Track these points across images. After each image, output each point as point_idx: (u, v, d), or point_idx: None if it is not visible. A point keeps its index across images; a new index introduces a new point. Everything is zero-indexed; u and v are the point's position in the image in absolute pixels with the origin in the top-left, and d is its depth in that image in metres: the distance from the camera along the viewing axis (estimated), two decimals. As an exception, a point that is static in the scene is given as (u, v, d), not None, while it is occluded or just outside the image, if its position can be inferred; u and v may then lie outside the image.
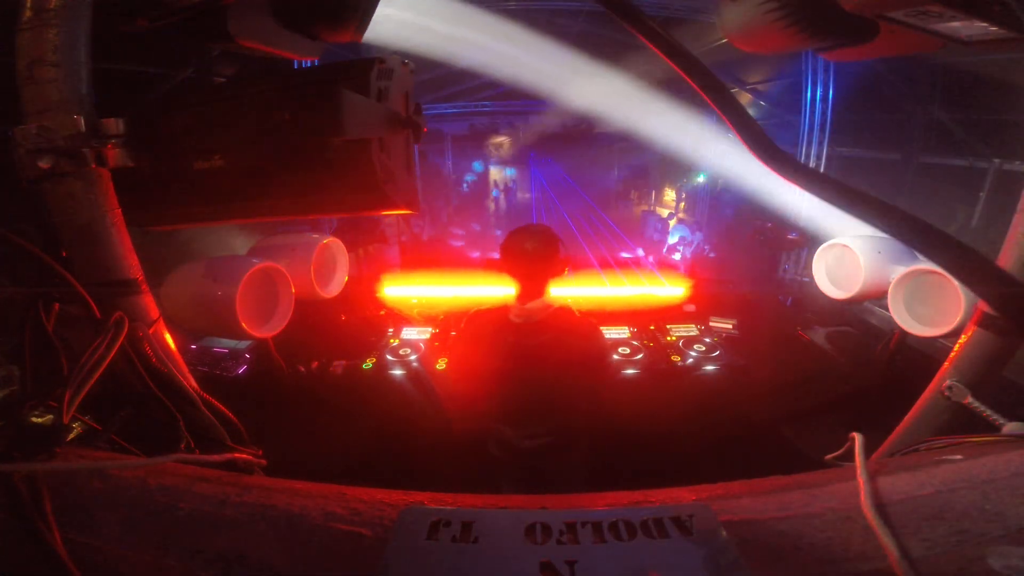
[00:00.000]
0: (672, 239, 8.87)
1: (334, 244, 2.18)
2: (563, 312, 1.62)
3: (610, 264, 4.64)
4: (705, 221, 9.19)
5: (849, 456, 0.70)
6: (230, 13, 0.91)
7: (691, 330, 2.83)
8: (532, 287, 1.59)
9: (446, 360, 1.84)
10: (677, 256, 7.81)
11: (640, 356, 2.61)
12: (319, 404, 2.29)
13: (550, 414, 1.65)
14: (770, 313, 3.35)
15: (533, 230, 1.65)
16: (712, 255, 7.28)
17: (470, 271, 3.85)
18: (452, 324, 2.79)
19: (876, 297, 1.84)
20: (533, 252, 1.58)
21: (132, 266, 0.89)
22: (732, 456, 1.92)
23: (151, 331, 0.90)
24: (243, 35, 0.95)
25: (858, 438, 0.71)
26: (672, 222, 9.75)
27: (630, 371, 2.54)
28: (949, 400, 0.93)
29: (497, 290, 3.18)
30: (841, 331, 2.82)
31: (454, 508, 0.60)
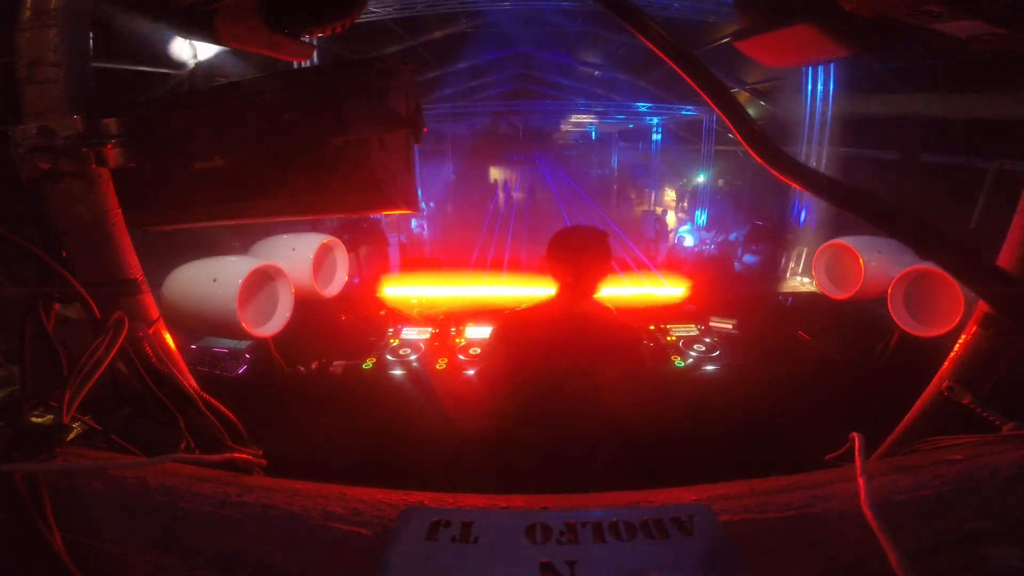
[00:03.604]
0: (674, 230, 8.91)
1: (334, 244, 2.18)
2: (603, 308, 1.61)
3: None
4: (705, 220, 9.20)
5: (849, 456, 0.70)
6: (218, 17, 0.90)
7: (691, 330, 2.82)
8: (583, 288, 1.55)
9: (490, 366, 1.77)
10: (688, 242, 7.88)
11: (640, 356, 2.60)
12: (319, 404, 2.28)
13: (584, 407, 1.59)
14: (770, 313, 3.35)
15: (584, 230, 1.61)
16: (713, 249, 7.30)
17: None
18: (452, 323, 2.79)
19: (876, 297, 1.84)
20: (585, 252, 1.54)
21: (132, 266, 0.89)
22: (732, 456, 1.91)
23: (151, 331, 0.90)
24: (231, 40, 0.94)
25: (858, 438, 0.71)
26: (671, 221, 9.78)
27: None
28: (949, 400, 0.93)
29: (496, 290, 3.19)
30: (841, 331, 2.81)
31: (454, 508, 0.60)
